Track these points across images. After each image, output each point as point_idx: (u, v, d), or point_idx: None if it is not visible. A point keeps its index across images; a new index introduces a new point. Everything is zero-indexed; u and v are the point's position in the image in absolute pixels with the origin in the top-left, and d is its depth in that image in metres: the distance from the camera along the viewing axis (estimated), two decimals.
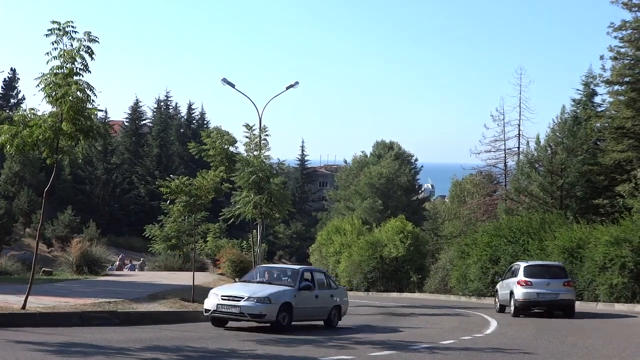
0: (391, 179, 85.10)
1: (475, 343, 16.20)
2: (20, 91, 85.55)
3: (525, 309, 26.47)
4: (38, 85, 15.99)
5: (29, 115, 16.27)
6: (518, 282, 26.67)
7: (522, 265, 27.86)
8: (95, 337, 14.20)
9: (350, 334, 17.69)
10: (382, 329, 19.43)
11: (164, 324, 17.72)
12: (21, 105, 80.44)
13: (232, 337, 15.75)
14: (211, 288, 26.15)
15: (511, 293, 26.93)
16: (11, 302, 16.69)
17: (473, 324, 21.38)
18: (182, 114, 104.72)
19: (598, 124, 46.35)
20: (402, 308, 30.08)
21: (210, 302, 17.99)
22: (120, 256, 51.99)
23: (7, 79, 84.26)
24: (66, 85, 15.79)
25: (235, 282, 21.59)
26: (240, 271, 35.54)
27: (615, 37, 43.76)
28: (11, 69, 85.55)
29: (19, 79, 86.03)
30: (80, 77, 16.02)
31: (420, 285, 47.60)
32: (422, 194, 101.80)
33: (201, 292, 22.92)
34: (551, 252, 33.13)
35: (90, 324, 16.32)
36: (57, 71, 15.92)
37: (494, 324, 21.21)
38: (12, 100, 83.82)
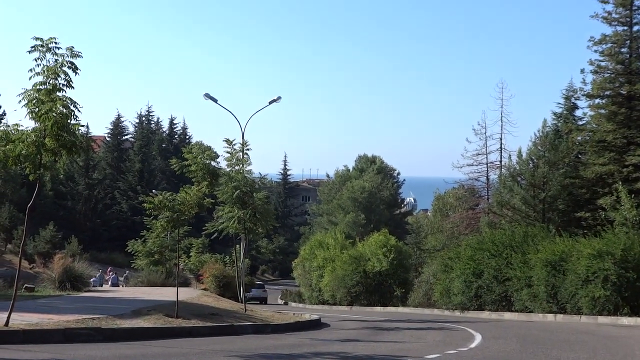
0: (374, 193, 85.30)
1: (461, 357, 16.18)
2: (0, 106, 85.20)
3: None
4: (21, 101, 15.93)
5: (12, 131, 16.18)
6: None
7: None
8: (79, 354, 14.09)
9: (336, 348, 17.63)
10: (367, 344, 19.37)
11: (148, 340, 17.60)
12: (2, 120, 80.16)
13: (217, 353, 15.66)
14: (195, 303, 26.06)
15: None
16: None
17: (458, 338, 21.34)
18: (164, 129, 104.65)
19: (579, 138, 46.70)
20: (387, 322, 30.01)
21: None
22: (108, 269, 51.84)
23: None
24: (50, 101, 15.74)
25: None
26: (223, 286, 35.49)
27: (596, 51, 44.28)
28: None
29: None
30: (64, 92, 15.98)
31: (403, 299, 47.63)
32: (405, 207, 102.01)
33: (185, 308, 22.80)
34: (534, 266, 33.20)
35: (74, 341, 16.18)
36: (40, 87, 15.87)
37: (478, 337, 21.18)
38: None
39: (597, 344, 19.68)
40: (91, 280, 37.52)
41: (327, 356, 15.78)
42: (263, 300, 58.77)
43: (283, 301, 64.28)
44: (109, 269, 51.73)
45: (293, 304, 58.63)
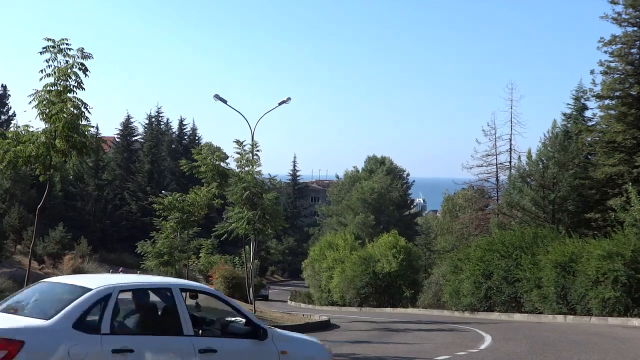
0: (383, 194, 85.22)
1: (471, 358, 16.17)
2: (10, 107, 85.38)
3: None
4: (31, 102, 15.96)
5: (23, 132, 16.22)
6: None
7: None
8: None
9: (346, 350, 17.62)
10: (377, 345, 19.37)
11: None
12: (12, 121, 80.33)
13: None
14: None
15: None
16: None
17: (468, 339, 21.32)
18: (174, 130, 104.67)
19: (589, 138, 46.50)
20: (397, 323, 30.01)
21: None
22: (119, 269, 51.96)
23: None
24: (60, 102, 15.77)
25: None
26: (233, 287, 35.51)
27: (606, 52, 44.05)
28: (1, 85, 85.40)
29: (9, 95, 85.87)
30: (74, 93, 16.01)
31: (413, 300, 47.56)
32: (414, 208, 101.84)
33: None
34: (544, 267, 33.13)
35: None
36: (51, 88, 15.89)
37: (488, 339, 21.17)
38: (2, 117, 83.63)
39: (608, 346, 19.64)
40: None
41: (338, 358, 15.77)
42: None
43: (290, 301, 64.60)
44: (120, 269, 51.91)
45: (302, 305, 58.60)
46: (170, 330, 8.83)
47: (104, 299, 8.48)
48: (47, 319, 8.17)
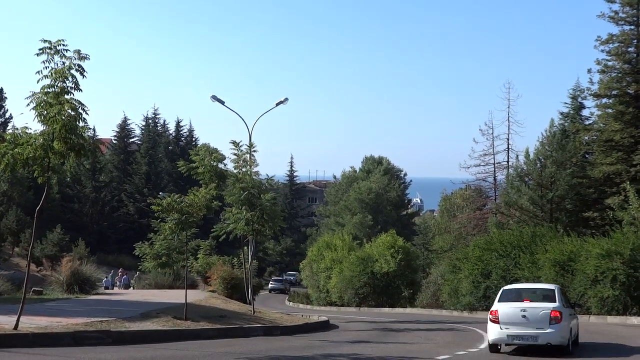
0: (380, 194, 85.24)
1: (471, 358, 16.15)
2: (7, 110, 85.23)
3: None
4: (29, 104, 15.86)
5: (21, 134, 16.13)
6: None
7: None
8: (88, 357, 14.07)
9: (346, 350, 17.59)
10: (377, 345, 19.34)
11: (157, 342, 17.58)
12: (9, 123, 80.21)
13: (226, 355, 15.64)
14: (203, 305, 25.97)
15: None
16: (2, 322, 16.50)
17: (467, 339, 21.32)
18: (171, 131, 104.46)
19: (587, 137, 46.55)
20: (396, 323, 29.98)
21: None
22: (120, 270, 51.88)
23: None
24: (58, 103, 15.69)
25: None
26: (231, 288, 35.38)
27: (603, 51, 44.14)
28: None
29: (6, 97, 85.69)
30: (72, 95, 15.92)
31: (411, 300, 47.55)
32: (412, 208, 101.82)
33: (193, 310, 22.75)
34: (542, 266, 33.15)
35: (84, 344, 16.16)
36: (48, 90, 15.80)
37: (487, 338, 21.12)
38: None
39: (608, 345, 19.63)
40: (102, 280, 37.51)
41: (338, 358, 15.75)
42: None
43: (289, 301, 64.20)
44: (120, 270, 51.88)
45: (301, 305, 58.54)
46: (564, 305, 17.23)
47: (560, 291, 17.81)
48: (555, 302, 16.80)
